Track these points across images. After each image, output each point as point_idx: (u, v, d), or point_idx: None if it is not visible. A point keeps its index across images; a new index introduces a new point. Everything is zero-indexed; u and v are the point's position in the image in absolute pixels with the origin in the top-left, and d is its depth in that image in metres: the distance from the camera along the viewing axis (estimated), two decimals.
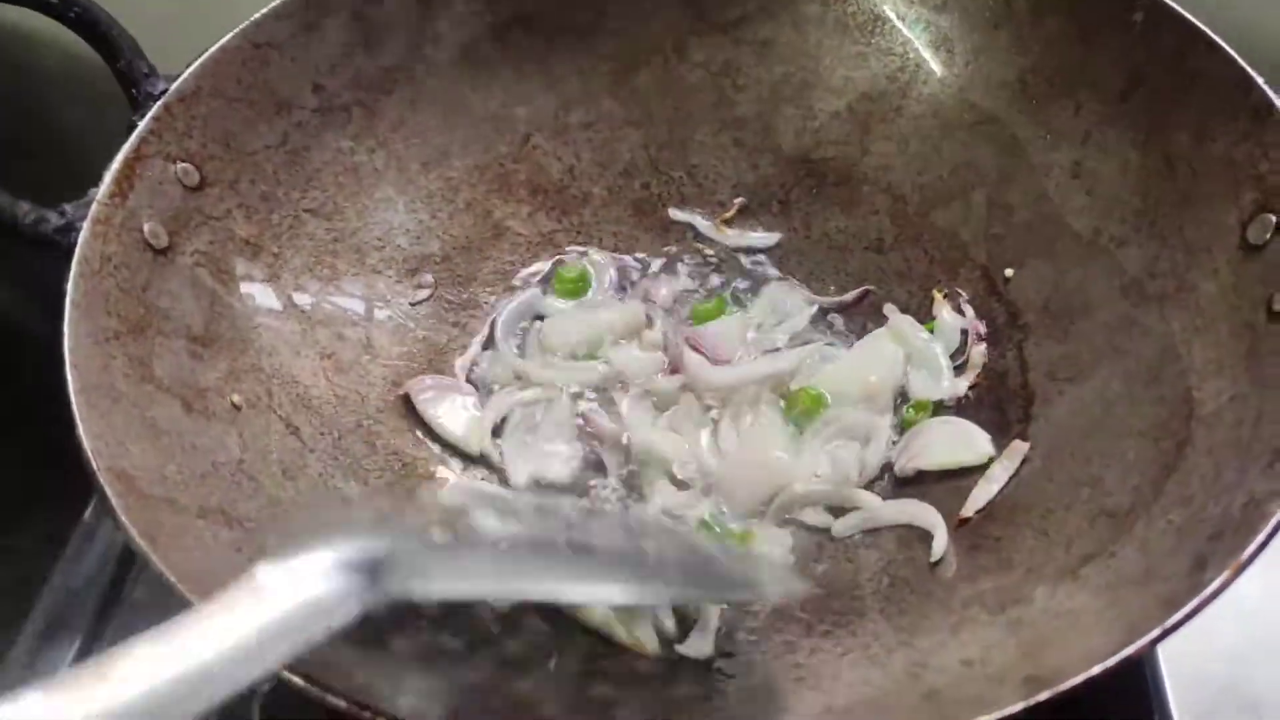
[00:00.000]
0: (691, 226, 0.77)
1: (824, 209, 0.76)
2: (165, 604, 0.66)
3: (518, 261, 0.76)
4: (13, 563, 0.74)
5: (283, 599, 0.36)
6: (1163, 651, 0.61)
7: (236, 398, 0.61)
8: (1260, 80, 0.58)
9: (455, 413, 0.68)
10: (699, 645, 0.55)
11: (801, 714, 0.50)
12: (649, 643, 0.55)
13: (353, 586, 0.38)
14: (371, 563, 0.38)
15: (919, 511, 0.61)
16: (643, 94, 0.78)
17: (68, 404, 0.52)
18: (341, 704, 0.42)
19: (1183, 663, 0.61)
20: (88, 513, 0.75)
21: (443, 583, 0.41)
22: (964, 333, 0.69)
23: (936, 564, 0.58)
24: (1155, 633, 0.41)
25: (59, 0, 0.60)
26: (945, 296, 0.71)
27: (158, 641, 0.34)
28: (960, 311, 0.70)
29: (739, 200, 0.76)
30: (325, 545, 0.38)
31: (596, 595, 0.49)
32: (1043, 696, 0.41)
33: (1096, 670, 0.41)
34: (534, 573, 0.44)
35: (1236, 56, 0.59)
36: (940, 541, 0.59)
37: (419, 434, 0.67)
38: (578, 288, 0.74)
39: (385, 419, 0.66)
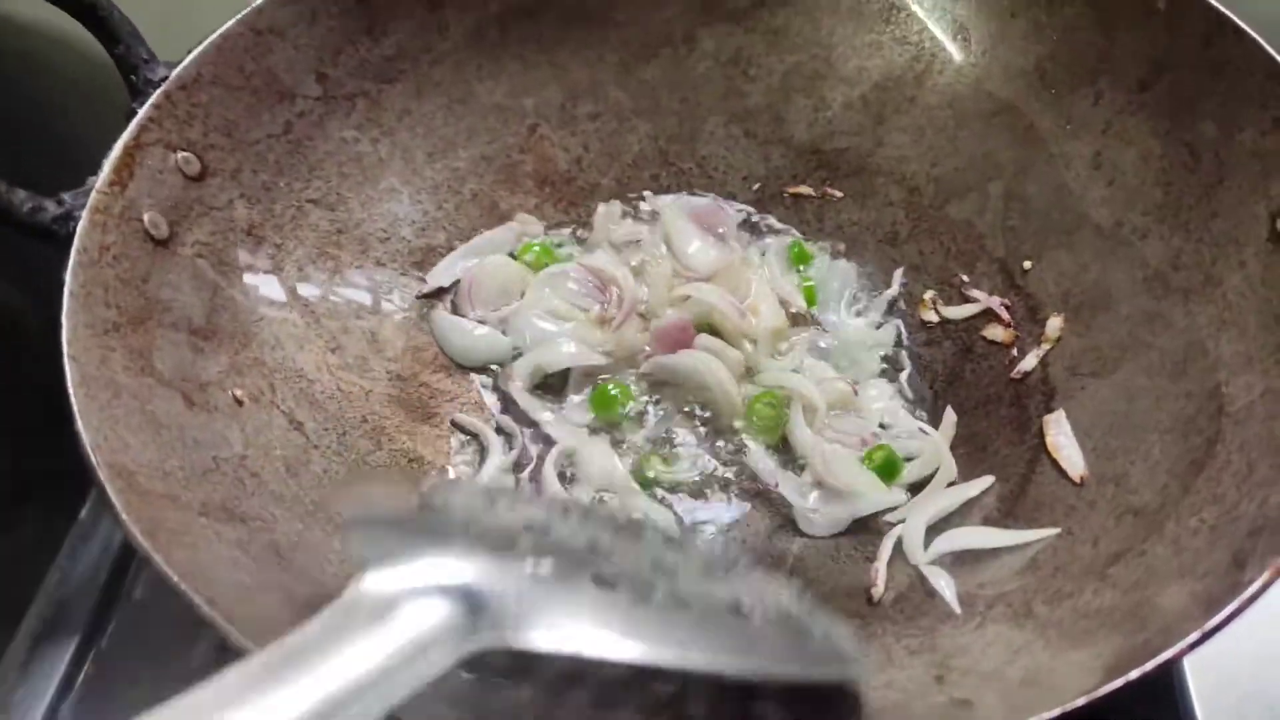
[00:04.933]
0: None
1: (837, 201, 0.74)
2: (164, 604, 0.66)
3: None
4: (8, 562, 0.72)
5: (396, 633, 0.35)
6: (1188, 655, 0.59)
7: (239, 392, 0.59)
8: None
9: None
10: None
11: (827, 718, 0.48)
12: None
13: (457, 625, 0.36)
14: (473, 598, 0.36)
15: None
16: (651, 84, 0.76)
17: (64, 399, 0.50)
18: None
19: (1208, 666, 0.59)
20: (84, 511, 0.74)
21: (540, 634, 0.38)
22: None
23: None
24: (1195, 635, 0.40)
25: None
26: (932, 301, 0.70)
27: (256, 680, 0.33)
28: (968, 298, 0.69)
29: None
30: (428, 567, 0.37)
31: (699, 664, 0.42)
32: (1078, 703, 0.39)
33: (1134, 675, 0.39)
34: (632, 629, 0.40)
35: (1265, 44, 0.58)
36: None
37: (428, 428, 0.66)
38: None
39: (391, 414, 0.65)
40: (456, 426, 0.67)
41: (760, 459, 0.64)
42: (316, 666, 0.33)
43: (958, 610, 0.54)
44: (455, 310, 0.71)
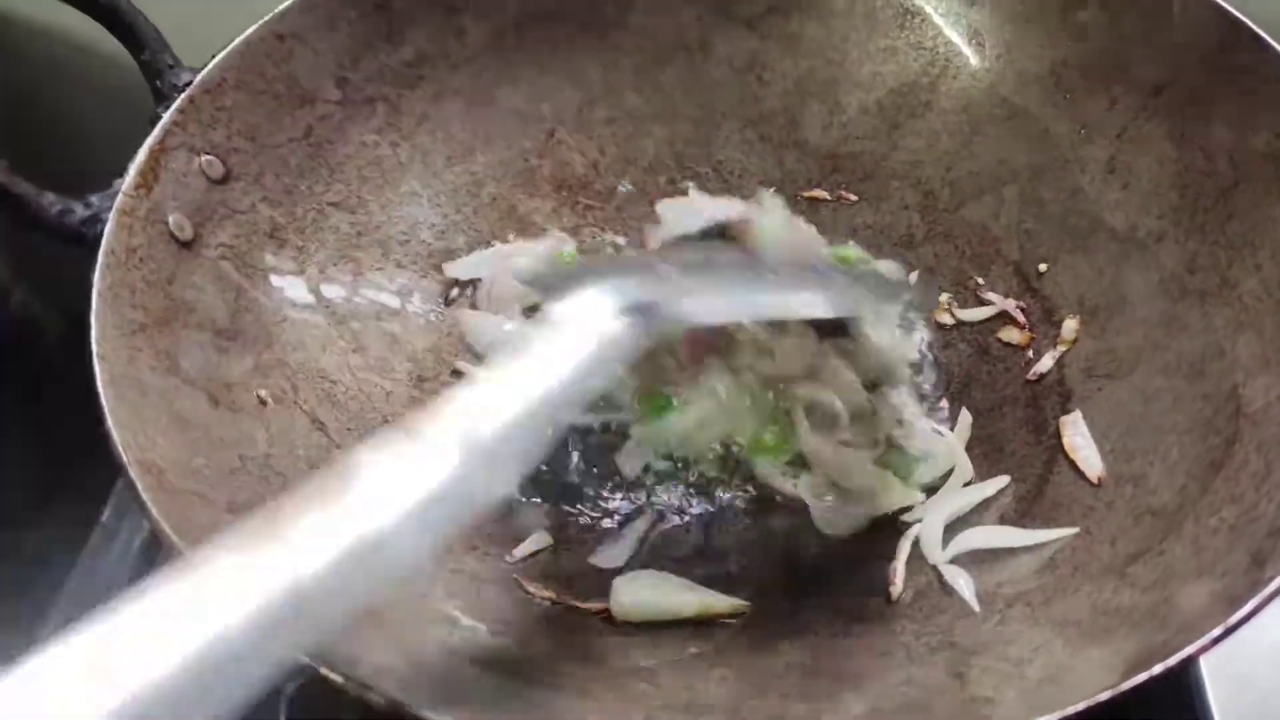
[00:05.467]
0: None
1: (852, 204, 0.75)
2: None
3: None
4: (30, 564, 0.73)
5: (588, 335, 0.41)
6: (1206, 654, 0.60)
7: (263, 392, 0.60)
8: None
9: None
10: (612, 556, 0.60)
11: (844, 715, 0.49)
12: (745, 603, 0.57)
13: (635, 324, 0.43)
14: (644, 304, 0.44)
15: None
16: (667, 89, 0.77)
17: (88, 401, 0.51)
18: (380, 701, 0.41)
19: (1224, 666, 0.59)
20: (105, 514, 0.74)
21: (693, 312, 0.48)
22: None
23: None
24: (1217, 631, 0.41)
25: None
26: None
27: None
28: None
29: None
30: (601, 290, 0.44)
31: (802, 308, 0.56)
32: (1101, 698, 0.40)
33: (1157, 670, 0.40)
34: (755, 295, 0.53)
35: (1279, 48, 0.58)
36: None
37: None
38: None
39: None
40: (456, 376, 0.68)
41: (771, 468, 0.64)
42: (540, 367, 0.40)
43: (976, 609, 0.54)
44: (474, 308, 0.71)
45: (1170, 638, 0.43)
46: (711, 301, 0.50)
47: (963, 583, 0.56)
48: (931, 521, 0.59)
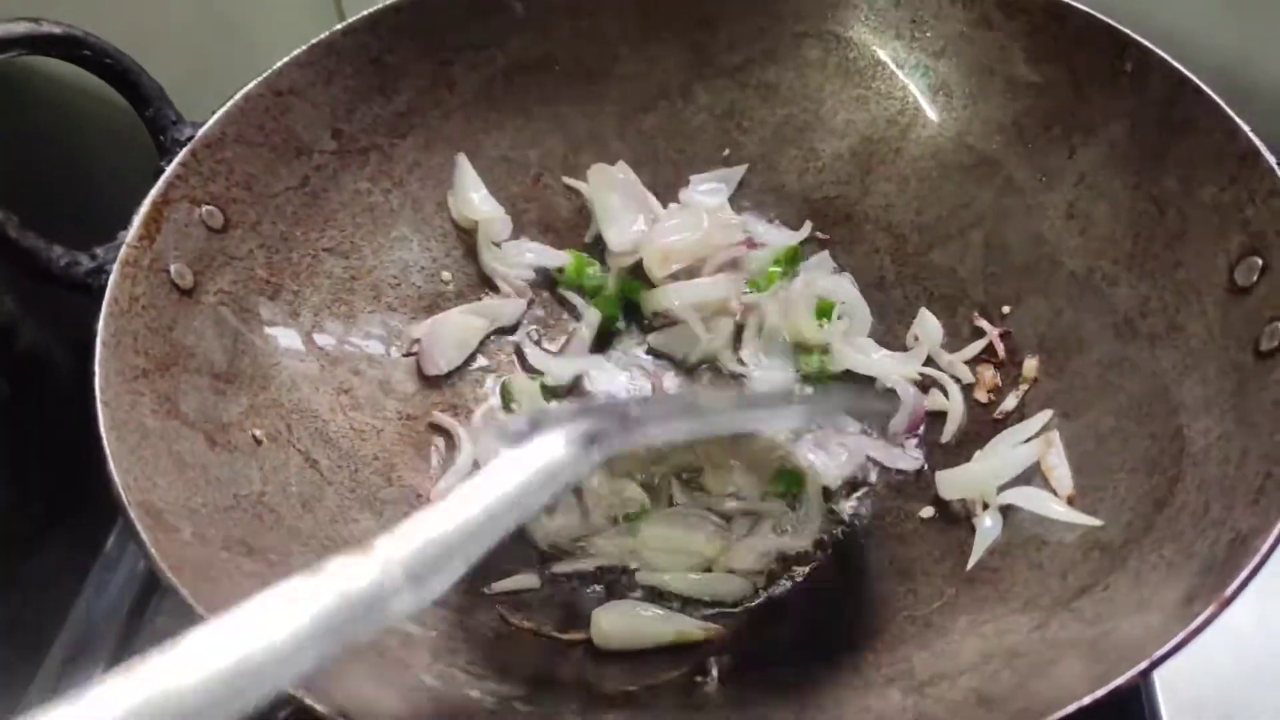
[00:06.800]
0: None
1: (826, 246, 0.78)
2: (186, 632, 0.69)
3: None
4: (35, 593, 0.76)
5: (541, 456, 0.44)
6: (1159, 678, 0.62)
7: (258, 432, 0.63)
8: (1246, 128, 0.59)
9: None
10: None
11: None
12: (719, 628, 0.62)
13: (580, 453, 0.46)
14: (590, 435, 0.46)
15: None
16: (649, 136, 0.80)
17: (92, 438, 0.53)
18: None
19: (1178, 689, 0.62)
20: (109, 543, 0.77)
21: (639, 438, 0.50)
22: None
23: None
24: (1144, 665, 0.43)
25: (91, 51, 0.63)
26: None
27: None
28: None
29: None
30: (557, 424, 0.47)
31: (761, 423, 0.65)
32: None
33: (1086, 700, 0.43)
34: (704, 419, 0.55)
35: (1223, 104, 0.61)
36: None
37: (432, 467, 0.70)
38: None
39: (402, 451, 0.69)
40: (434, 429, 0.71)
41: None
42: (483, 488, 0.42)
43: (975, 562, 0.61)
44: (420, 365, 0.73)
45: (1107, 669, 0.46)
46: (665, 426, 0.52)
47: (990, 524, 0.62)
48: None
